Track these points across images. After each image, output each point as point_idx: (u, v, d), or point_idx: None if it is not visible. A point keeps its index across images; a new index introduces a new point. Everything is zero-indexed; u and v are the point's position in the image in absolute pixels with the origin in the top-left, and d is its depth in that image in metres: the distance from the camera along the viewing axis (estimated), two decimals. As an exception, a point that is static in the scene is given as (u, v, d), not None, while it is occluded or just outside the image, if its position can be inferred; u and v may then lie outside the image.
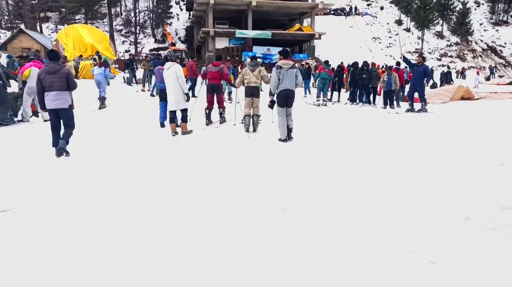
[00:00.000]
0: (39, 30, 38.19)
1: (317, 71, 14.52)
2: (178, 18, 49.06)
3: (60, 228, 3.12)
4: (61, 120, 5.53)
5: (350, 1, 54.55)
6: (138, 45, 42.55)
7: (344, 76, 15.44)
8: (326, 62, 13.76)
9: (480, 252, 2.58)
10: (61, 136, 5.46)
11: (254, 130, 7.59)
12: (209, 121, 8.33)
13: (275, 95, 6.55)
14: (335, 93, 14.64)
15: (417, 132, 7.74)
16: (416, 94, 11.29)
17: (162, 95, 7.69)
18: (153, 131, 7.60)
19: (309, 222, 3.22)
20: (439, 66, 40.81)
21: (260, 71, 7.42)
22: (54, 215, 3.39)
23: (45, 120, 8.35)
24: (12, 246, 2.80)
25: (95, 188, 4.13)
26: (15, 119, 8.28)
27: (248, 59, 7.67)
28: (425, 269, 2.38)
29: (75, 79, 5.69)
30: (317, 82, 13.66)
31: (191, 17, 45.25)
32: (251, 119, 7.53)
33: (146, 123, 8.37)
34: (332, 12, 49.89)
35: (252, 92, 7.45)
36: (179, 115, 7.39)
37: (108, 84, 12.34)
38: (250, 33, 33.73)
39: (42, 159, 5.31)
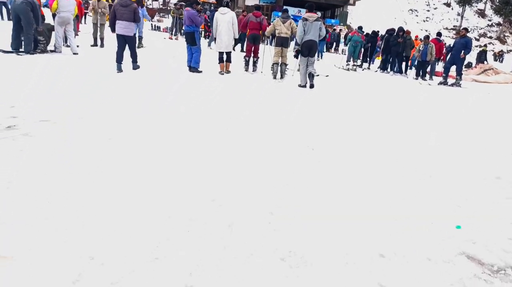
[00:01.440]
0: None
1: (349, 34, 14.00)
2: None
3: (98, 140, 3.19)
4: (127, 44, 6.99)
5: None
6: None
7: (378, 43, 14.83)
8: (360, 27, 13.27)
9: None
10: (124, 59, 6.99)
11: (282, 77, 8.11)
12: (247, 67, 8.88)
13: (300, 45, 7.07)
14: (366, 62, 14.17)
15: (449, 106, 7.45)
16: (452, 68, 10.82)
17: (193, 38, 7.69)
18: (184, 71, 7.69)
19: (335, 161, 3.28)
20: (476, 46, 38.86)
21: (291, 23, 7.81)
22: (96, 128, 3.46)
23: (74, 53, 8.43)
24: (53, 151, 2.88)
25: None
26: (48, 49, 8.31)
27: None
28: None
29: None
30: (348, 46, 13.17)
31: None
32: (279, 67, 8.05)
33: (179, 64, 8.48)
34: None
35: (282, 42, 7.86)
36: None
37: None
38: (282, -7, 32.48)
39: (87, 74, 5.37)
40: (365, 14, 38.69)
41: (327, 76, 9.53)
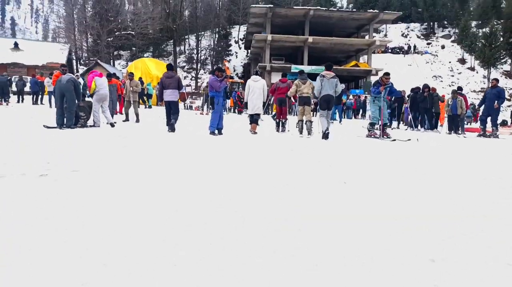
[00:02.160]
0: (111, 65, 42.11)
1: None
2: (236, 56, 51.54)
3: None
4: (170, 109, 8.26)
5: (409, 40, 53.85)
6: (198, 80, 45.01)
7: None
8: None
9: None
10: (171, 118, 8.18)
11: (309, 134, 8.51)
12: (278, 128, 9.64)
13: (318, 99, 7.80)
14: (395, 121, 14.09)
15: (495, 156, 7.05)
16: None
17: (212, 102, 8.38)
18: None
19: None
20: (508, 106, 38.07)
21: (310, 83, 8.62)
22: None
23: (109, 123, 8.92)
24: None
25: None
26: (88, 124, 8.87)
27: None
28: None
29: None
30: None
31: (248, 54, 47.40)
32: (305, 125, 8.56)
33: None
34: (390, 50, 49.49)
35: (305, 101, 8.58)
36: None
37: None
38: (305, 68, 34.20)
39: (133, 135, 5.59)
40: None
41: (408, 140, 8.56)
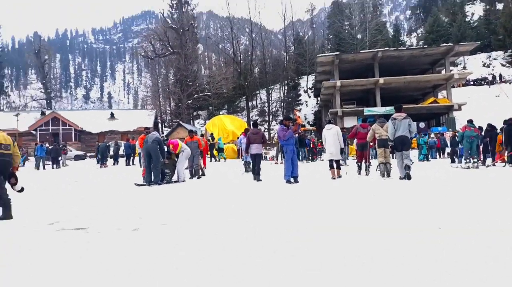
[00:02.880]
0: (191, 124, 45.57)
1: (460, 130, 13.09)
2: (306, 105, 52.37)
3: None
4: (255, 161, 9.04)
5: (492, 70, 49.75)
6: (271, 131, 46.27)
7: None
8: (470, 121, 12.33)
9: None
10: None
11: (389, 175, 8.36)
12: (360, 171, 9.76)
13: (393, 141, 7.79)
14: (489, 158, 12.68)
15: None
16: None
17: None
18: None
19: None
20: None
21: (388, 126, 8.39)
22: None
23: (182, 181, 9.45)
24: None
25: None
26: (173, 180, 9.49)
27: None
28: None
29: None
30: (463, 143, 12.12)
31: (318, 101, 47.87)
32: (386, 167, 8.46)
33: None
34: (472, 82, 46.12)
35: (384, 144, 8.48)
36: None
37: None
38: (379, 110, 33.29)
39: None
40: (475, 118, 36.33)
41: None
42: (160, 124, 49.69)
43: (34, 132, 38.33)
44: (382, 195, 5.71)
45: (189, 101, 43.75)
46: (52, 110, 43.93)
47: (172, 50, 43.74)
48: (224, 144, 26.65)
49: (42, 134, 37.66)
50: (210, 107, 51.75)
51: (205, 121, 50.68)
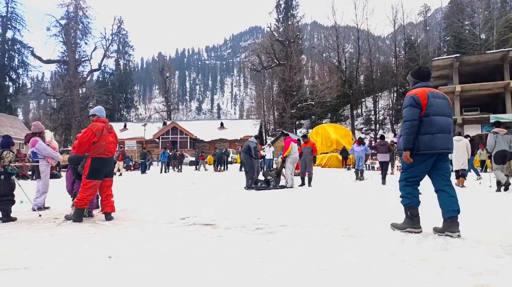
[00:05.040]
0: (294, 133, 46.07)
1: None
2: (418, 113, 48.34)
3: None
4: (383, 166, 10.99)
5: None
6: (370, 143, 43.98)
7: None
8: None
9: None
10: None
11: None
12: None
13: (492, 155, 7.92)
14: None
15: None
16: None
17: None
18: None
19: None
20: None
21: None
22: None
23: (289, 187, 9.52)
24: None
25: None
26: (278, 185, 9.69)
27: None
28: None
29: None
30: None
31: (433, 109, 43.72)
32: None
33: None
34: None
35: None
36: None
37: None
38: (510, 117, 28.89)
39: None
40: None
41: None
42: (264, 133, 51.47)
43: (157, 140, 43.45)
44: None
45: (292, 111, 44.47)
46: (172, 121, 49.18)
47: (277, 62, 45.16)
48: (327, 152, 26.33)
49: (163, 142, 42.43)
50: (313, 117, 51.65)
51: (307, 130, 50.74)
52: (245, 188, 9.39)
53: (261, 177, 10.27)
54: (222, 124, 46.12)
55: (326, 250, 2.92)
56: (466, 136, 11.28)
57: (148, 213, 5.26)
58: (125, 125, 48.15)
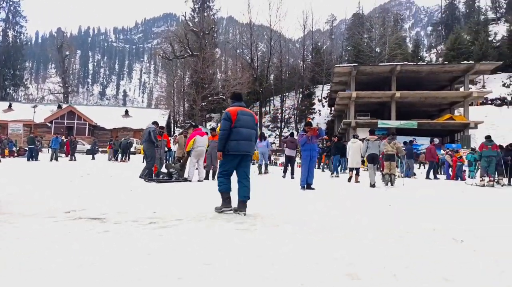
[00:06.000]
0: (204, 126, 45.77)
1: (478, 149, 12.83)
2: (320, 114, 52.19)
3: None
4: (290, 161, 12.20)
5: (512, 90, 48.86)
6: (282, 138, 46.18)
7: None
8: (488, 137, 12.03)
9: None
10: None
11: (392, 184, 10.09)
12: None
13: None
14: (505, 177, 12.38)
15: None
16: None
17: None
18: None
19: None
20: None
21: (395, 143, 10.51)
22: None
23: (199, 180, 9.41)
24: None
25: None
26: (181, 179, 9.41)
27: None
28: None
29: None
30: (481, 162, 11.90)
31: (332, 111, 47.64)
32: (390, 177, 10.13)
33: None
34: (490, 102, 45.36)
35: (389, 158, 10.23)
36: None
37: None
38: (393, 123, 33.02)
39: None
40: (493, 136, 35.62)
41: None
42: (172, 124, 50.01)
43: (49, 124, 39.00)
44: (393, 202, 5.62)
45: (203, 103, 43.98)
46: (69, 104, 44.66)
47: (190, 53, 44.14)
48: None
49: (57, 127, 38.32)
50: (223, 111, 51.89)
51: (217, 124, 50.85)
52: (145, 180, 8.89)
53: (164, 170, 9.88)
54: (127, 112, 43.49)
55: (218, 244, 2.89)
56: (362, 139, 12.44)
57: (29, 205, 4.61)
58: (10, 106, 42.25)
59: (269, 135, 47.95)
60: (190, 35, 44.98)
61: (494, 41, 58.73)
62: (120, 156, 21.58)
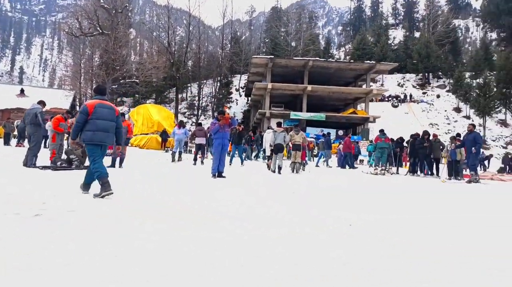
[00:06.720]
0: (115, 111, 42.87)
1: (373, 141, 14.35)
2: (237, 103, 52.78)
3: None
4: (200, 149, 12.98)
5: (405, 89, 55.34)
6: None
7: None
8: (382, 131, 13.50)
9: None
10: None
11: (297, 172, 11.24)
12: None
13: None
14: (394, 167, 14.09)
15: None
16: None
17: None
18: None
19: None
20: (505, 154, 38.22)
21: (302, 134, 11.66)
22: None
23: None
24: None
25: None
26: (82, 166, 8.75)
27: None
28: None
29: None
30: (375, 152, 13.35)
31: (249, 101, 48.59)
32: (296, 165, 11.23)
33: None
34: (387, 99, 50.71)
35: (297, 148, 11.16)
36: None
37: None
38: (304, 115, 34.99)
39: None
40: (387, 131, 39.98)
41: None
42: (78, 107, 45.91)
43: None
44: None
45: (114, 86, 41.19)
46: None
47: (100, 31, 40.72)
48: (147, 133, 25.68)
49: None
50: (137, 95, 49.43)
51: (129, 109, 48.14)
52: (38, 167, 8.01)
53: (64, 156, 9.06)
54: (22, 91, 38.71)
55: (118, 237, 2.79)
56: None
57: None
58: None
59: (186, 123, 47.10)
60: (101, 12, 41.47)
61: (393, 44, 65.70)
62: (18, 139, 19.18)
